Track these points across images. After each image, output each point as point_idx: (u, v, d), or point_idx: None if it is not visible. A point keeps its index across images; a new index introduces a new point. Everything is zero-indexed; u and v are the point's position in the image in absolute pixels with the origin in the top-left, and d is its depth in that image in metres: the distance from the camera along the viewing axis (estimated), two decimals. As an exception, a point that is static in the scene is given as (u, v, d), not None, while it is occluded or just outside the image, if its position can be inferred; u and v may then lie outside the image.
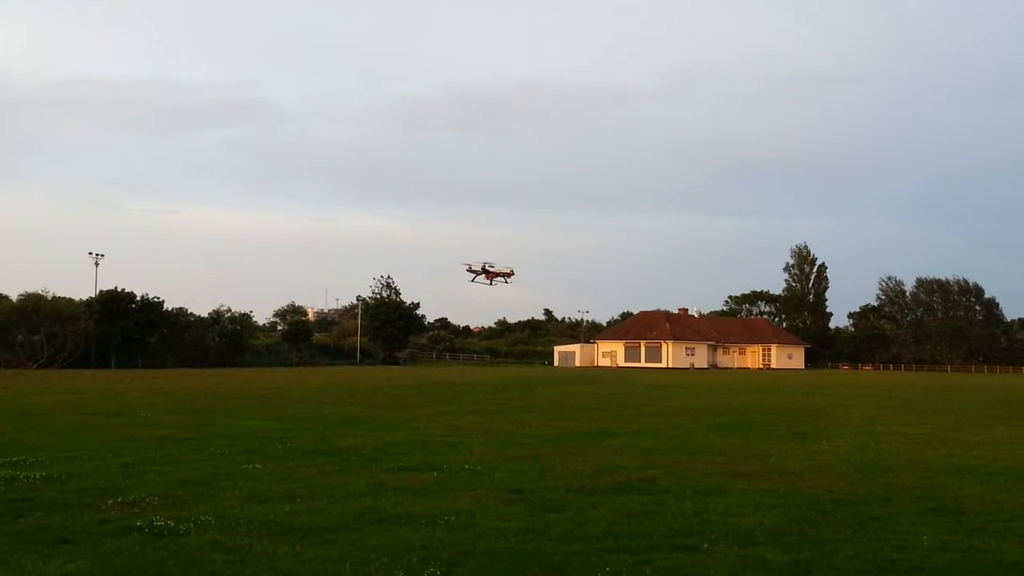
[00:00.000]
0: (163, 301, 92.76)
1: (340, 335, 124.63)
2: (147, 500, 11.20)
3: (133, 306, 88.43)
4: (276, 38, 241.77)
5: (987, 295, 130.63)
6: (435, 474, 13.59)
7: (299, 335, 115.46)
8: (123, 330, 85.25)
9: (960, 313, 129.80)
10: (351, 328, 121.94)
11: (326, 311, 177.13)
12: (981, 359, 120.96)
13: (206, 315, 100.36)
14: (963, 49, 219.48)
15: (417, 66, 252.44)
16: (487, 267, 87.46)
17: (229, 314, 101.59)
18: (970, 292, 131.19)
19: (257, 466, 14.27)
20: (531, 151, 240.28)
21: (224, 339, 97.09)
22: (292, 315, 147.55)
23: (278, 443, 17.51)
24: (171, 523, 9.73)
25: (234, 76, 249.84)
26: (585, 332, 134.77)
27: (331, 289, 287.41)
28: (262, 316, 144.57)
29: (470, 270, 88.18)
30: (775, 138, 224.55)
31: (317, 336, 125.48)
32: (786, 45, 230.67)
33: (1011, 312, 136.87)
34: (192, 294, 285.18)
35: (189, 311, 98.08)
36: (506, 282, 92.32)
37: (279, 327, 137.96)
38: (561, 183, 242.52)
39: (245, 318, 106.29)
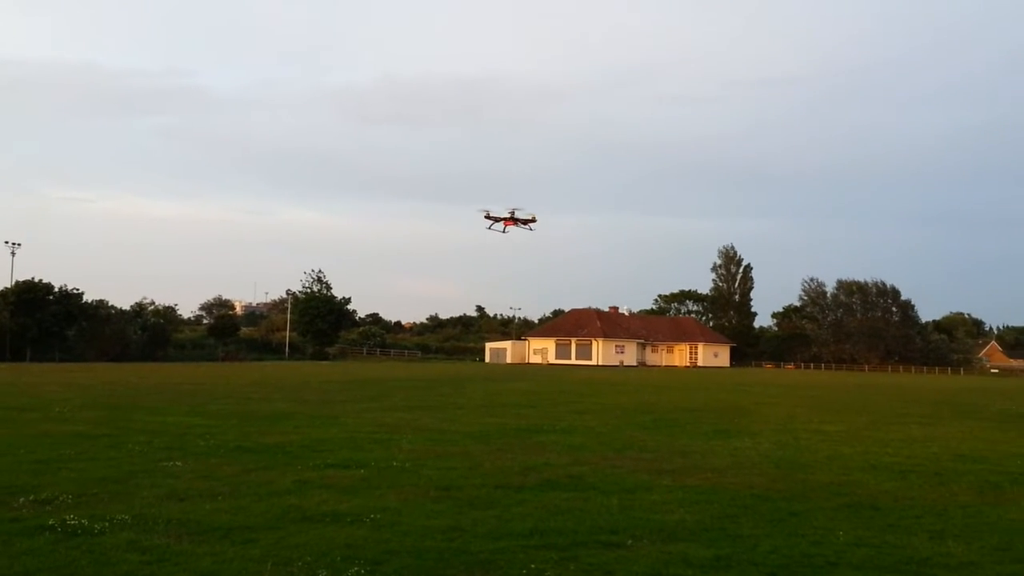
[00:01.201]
0: (83, 293, 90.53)
1: (269, 330, 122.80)
2: (61, 498, 10.89)
3: (51, 297, 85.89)
4: (211, 26, 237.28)
5: (903, 297, 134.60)
6: (362, 471, 13.49)
7: (226, 329, 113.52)
8: (40, 322, 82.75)
9: (878, 314, 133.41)
10: (280, 322, 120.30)
11: (255, 305, 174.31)
12: (897, 359, 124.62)
13: (128, 308, 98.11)
14: (891, 55, 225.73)
15: (353, 58, 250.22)
16: (514, 213, 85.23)
17: (152, 307, 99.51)
18: (887, 294, 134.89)
19: (177, 463, 13.98)
20: (465, 146, 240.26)
21: (147, 333, 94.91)
22: (219, 309, 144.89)
23: (200, 440, 17.18)
24: (85, 522, 9.48)
25: (166, 63, 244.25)
26: (517, 329, 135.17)
27: (260, 283, 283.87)
28: (187, 309, 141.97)
29: (488, 216, 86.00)
30: (705, 140, 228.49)
31: (245, 330, 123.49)
32: (718, 49, 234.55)
33: (926, 314, 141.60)
34: (114, 286, 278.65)
35: (110, 303, 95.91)
36: (530, 229, 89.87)
37: (205, 321, 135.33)
38: (495, 178, 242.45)
39: (169, 311, 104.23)
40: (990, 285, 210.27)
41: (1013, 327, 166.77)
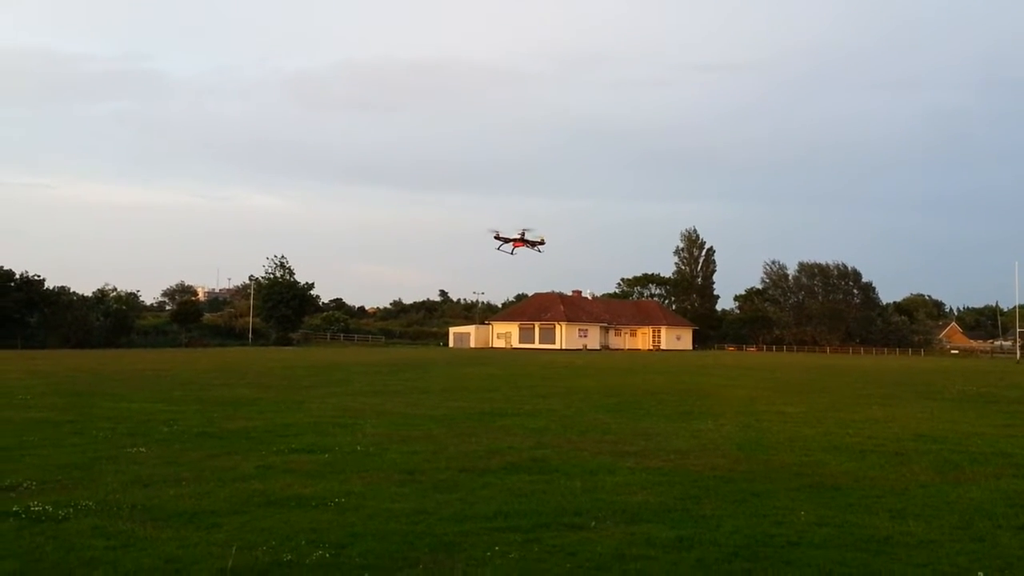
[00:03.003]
0: (44, 280, 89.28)
1: (232, 315, 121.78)
2: (24, 485, 10.80)
3: (12, 284, 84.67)
4: (168, 10, 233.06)
5: (864, 280, 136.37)
6: (326, 456, 13.47)
7: (189, 315, 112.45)
8: (1, 309, 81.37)
9: (839, 296, 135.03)
10: (243, 308, 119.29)
11: (217, 291, 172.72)
12: (858, 341, 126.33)
13: (90, 295, 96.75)
14: (851, 42, 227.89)
15: (311, 42, 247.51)
16: (524, 233, 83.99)
17: (115, 293, 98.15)
18: (848, 276, 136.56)
19: (141, 449, 13.88)
20: (425, 131, 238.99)
21: (109, 319, 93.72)
22: (181, 295, 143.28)
23: (164, 426, 17.05)
24: (50, 508, 9.41)
25: (122, 48, 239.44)
26: (480, 313, 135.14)
27: (223, 268, 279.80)
28: (150, 296, 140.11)
29: (498, 237, 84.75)
30: (667, 124, 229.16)
31: (208, 316, 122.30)
32: (679, 34, 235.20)
33: (887, 296, 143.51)
34: (76, 272, 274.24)
35: (72, 290, 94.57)
36: (538, 251, 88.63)
37: (168, 307, 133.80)
38: (456, 164, 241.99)
39: (132, 297, 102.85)
40: (950, 267, 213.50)
41: (973, 308, 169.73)
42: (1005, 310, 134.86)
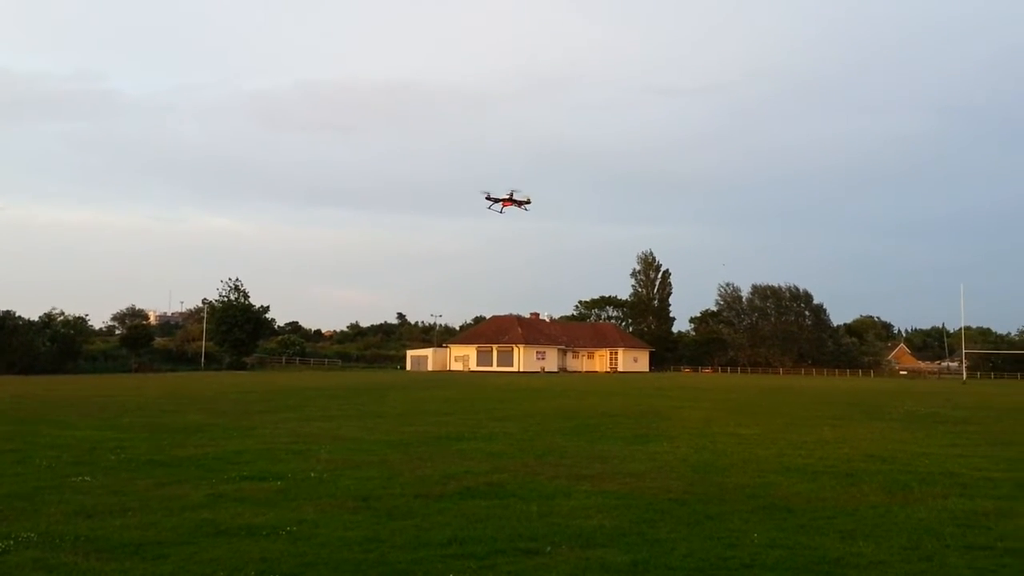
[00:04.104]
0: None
1: (184, 339, 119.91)
2: (-39, 518, 10.46)
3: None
4: (123, 29, 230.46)
5: (815, 301, 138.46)
6: (279, 483, 13.26)
7: (139, 339, 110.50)
8: (-57, 334, 79.46)
9: (791, 318, 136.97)
10: (196, 332, 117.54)
11: (169, 315, 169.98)
12: (810, 362, 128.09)
13: (36, 319, 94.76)
14: (785, 60, 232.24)
15: (272, 62, 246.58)
16: (513, 194, 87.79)
17: (62, 317, 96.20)
18: (800, 298, 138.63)
19: (87, 478, 13.55)
20: (386, 152, 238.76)
21: (56, 344, 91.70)
22: (132, 318, 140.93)
23: (111, 454, 16.68)
24: (-12, 542, 9.12)
25: (76, 67, 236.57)
26: (438, 336, 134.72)
27: (175, 292, 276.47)
28: (99, 320, 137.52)
29: (488, 198, 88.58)
30: (628, 147, 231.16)
31: (159, 340, 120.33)
32: (636, 58, 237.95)
33: (837, 318, 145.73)
34: (22, 296, 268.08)
35: (17, 314, 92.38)
36: (525, 209, 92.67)
37: (117, 331, 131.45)
38: (416, 185, 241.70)
39: (80, 322, 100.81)
40: (898, 289, 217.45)
41: (920, 330, 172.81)
42: (951, 331, 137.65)
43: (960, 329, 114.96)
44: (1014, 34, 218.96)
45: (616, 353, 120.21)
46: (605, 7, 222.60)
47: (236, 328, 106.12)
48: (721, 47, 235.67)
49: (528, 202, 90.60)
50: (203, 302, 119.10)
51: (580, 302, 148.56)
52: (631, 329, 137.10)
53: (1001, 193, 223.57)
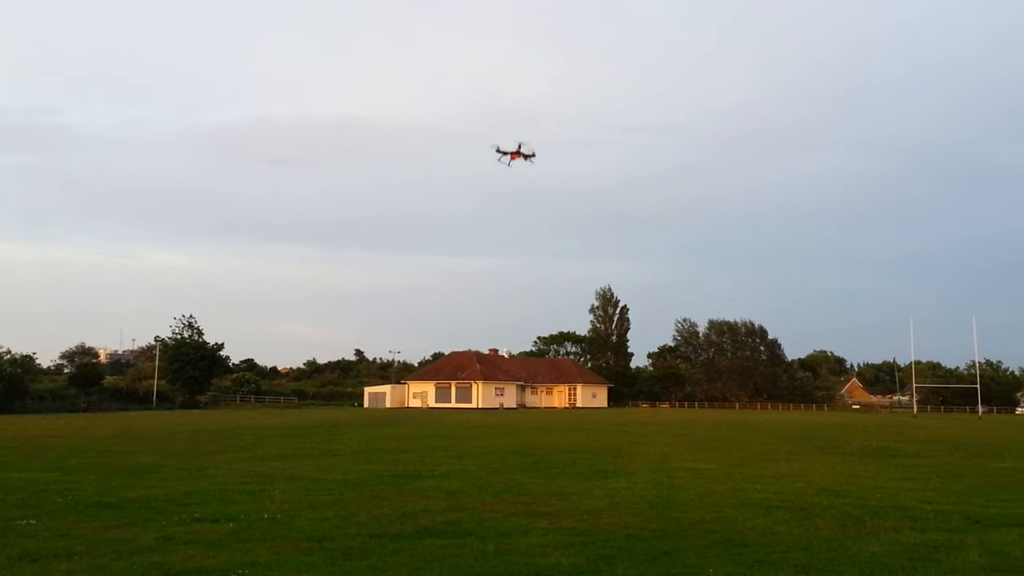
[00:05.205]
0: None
1: (135, 378, 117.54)
2: (-101, 565, 10.13)
3: None
4: (76, 63, 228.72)
5: (770, 336, 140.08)
6: (231, 525, 13.03)
7: (89, 378, 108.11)
8: None
9: (747, 353, 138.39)
10: (148, 370, 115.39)
11: (120, 353, 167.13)
12: (766, 396, 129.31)
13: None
14: (744, 100, 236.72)
15: (230, 97, 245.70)
16: (520, 147, 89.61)
17: (8, 356, 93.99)
18: (756, 333, 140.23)
19: (32, 522, 13.20)
20: (343, 187, 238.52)
21: (2, 383, 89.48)
22: (81, 357, 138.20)
23: (58, 496, 16.27)
24: (-74, 590, 8.85)
25: (27, 100, 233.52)
26: (396, 373, 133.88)
27: (127, 329, 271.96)
28: (47, 358, 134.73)
29: (498, 151, 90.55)
30: (587, 184, 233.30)
31: (109, 379, 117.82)
32: (593, 95, 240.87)
33: (791, 352, 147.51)
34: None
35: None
36: (531, 163, 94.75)
37: (66, 370, 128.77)
38: (375, 221, 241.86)
39: (27, 360, 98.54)
40: (850, 324, 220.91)
41: (872, 364, 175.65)
42: (902, 365, 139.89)
43: (910, 364, 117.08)
44: (974, 80, 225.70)
45: (575, 389, 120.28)
46: (565, 46, 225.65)
47: (189, 366, 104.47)
48: (682, 87, 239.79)
49: (534, 155, 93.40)
50: (155, 339, 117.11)
51: (539, 338, 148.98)
52: (590, 365, 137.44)
53: (951, 232, 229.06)
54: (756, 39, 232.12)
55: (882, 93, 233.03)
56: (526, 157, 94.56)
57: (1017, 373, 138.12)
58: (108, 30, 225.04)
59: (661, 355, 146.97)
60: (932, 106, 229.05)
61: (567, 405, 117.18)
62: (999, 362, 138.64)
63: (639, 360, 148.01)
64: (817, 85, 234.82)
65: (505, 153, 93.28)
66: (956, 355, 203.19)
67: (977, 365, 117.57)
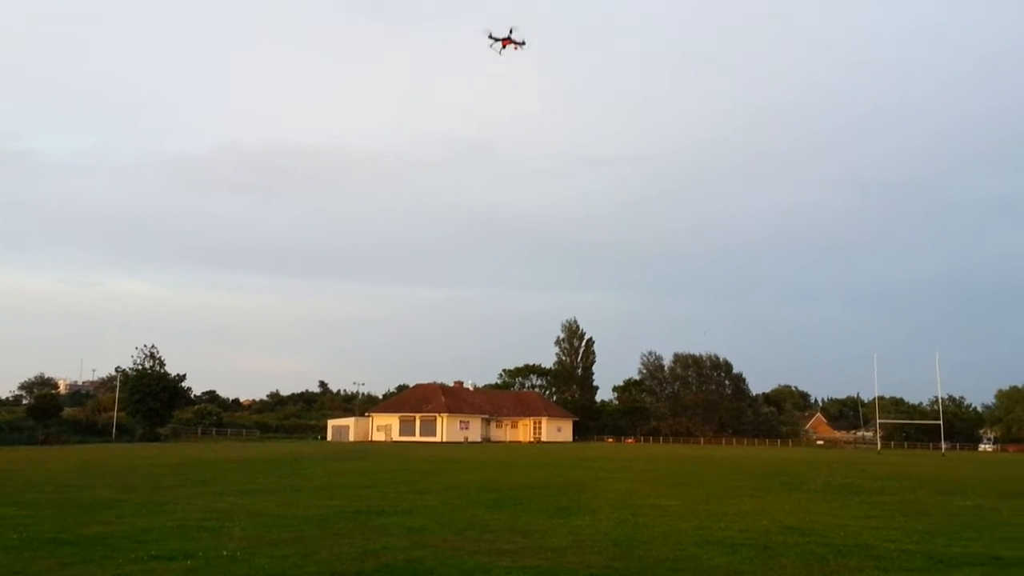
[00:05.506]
0: None
1: (95, 410, 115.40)
2: None
3: None
4: (38, 88, 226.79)
5: (735, 371, 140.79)
6: (189, 563, 12.79)
7: (47, 410, 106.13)
8: None
9: (712, 387, 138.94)
10: (108, 402, 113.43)
11: (80, 383, 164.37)
12: (731, 431, 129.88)
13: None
14: (711, 133, 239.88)
15: (196, 123, 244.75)
16: (512, 32, 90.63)
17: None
18: (721, 367, 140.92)
19: (-17, 560, 12.88)
20: (309, 216, 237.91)
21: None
22: (40, 388, 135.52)
23: (12, 532, 15.89)
24: None
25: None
26: (361, 405, 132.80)
27: (88, 359, 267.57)
28: (4, 389, 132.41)
29: (491, 36, 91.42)
30: (554, 215, 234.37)
31: (68, 411, 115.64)
32: (558, 126, 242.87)
33: (756, 387, 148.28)
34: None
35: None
36: (519, 50, 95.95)
37: (24, 401, 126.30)
38: (340, 250, 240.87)
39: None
40: (814, 359, 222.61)
41: (836, 399, 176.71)
42: (866, 401, 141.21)
43: (874, 399, 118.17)
44: (936, 118, 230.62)
45: (540, 423, 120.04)
46: (531, 79, 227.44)
47: (150, 397, 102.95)
48: (650, 120, 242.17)
49: (524, 43, 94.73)
50: (116, 370, 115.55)
51: (504, 370, 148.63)
52: (555, 398, 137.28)
53: (915, 267, 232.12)
54: (724, 73, 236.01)
55: (847, 129, 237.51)
56: (517, 45, 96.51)
57: (980, 409, 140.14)
58: (72, 56, 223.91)
59: (626, 389, 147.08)
60: (897, 143, 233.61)
61: (532, 439, 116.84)
62: (962, 398, 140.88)
63: (604, 393, 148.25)
64: (783, 120, 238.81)
65: (497, 40, 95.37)
66: (919, 391, 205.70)
67: (940, 401, 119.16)
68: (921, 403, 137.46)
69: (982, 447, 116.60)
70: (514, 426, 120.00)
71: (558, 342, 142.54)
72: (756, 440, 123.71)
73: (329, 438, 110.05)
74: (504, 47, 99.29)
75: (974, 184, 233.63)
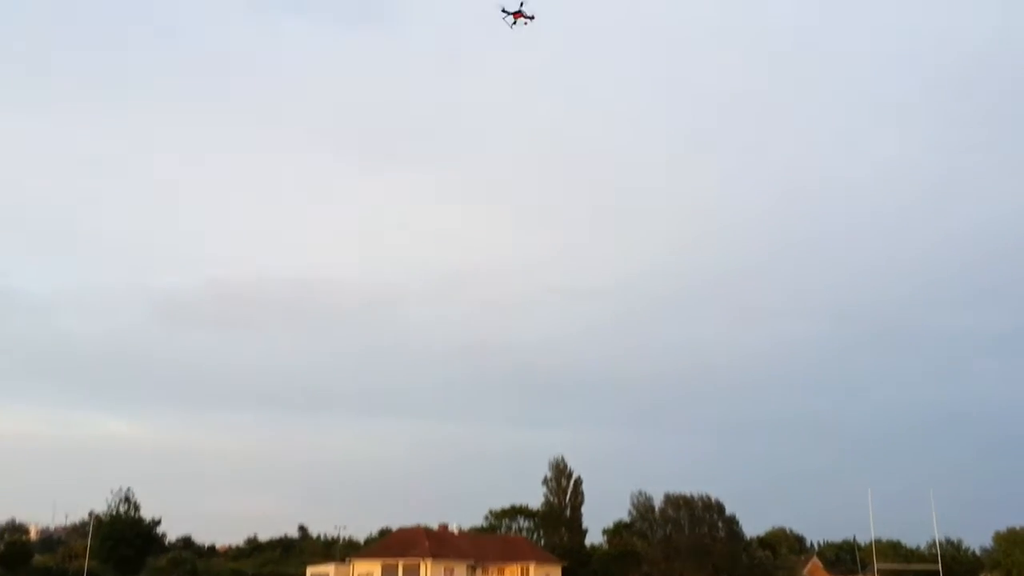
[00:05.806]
0: None
1: (66, 557, 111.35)
2: None
3: None
4: (24, 225, 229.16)
5: (728, 512, 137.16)
6: None
7: (16, 557, 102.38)
8: None
9: (704, 530, 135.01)
10: (79, 549, 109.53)
11: (52, 529, 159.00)
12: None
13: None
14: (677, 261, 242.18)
15: (181, 259, 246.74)
16: (522, 5, 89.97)
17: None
18: (713, 508, 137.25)
19: None
20: (291, 351, 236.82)
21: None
22: (10, 533, 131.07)
23: None
24: None
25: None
26: (342, 550, 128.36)
27: (61, 503, 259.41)
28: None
29: (503, 10, 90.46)
30: (538, 346, 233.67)
31: (39, 558, 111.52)
32: (540, 257, 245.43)
33: (749, 528, 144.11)
34: None
35: None
36: (526, 24, 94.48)
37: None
38: (322, 384, 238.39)
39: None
40: (807, 497, 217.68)
41: (832, 543, 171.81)
42: (863, 545, 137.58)
43: (871, 542, 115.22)
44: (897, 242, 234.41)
45: (528, 569, 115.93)
46: (507, 209, 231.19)
47: (123, 544, 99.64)
48: (621, 247, 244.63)
49: (533, 18, 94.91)
50: (90, 515, 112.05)
51: (491, 511, 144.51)
52: (543, 541, 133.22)
53: (903, 397, 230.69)
54: (697, 196, 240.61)
55: (820, 253, 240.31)
56: (528, 19, 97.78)
57: (978, 552, 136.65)
58: (54, 194, 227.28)
59: (617, 531, 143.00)
60: (866, 267, 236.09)
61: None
62: (959, 540, 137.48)
63: (594, 535, 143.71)
64: (758, 249, 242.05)
65: (509, 13, 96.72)
66: (917, 532, 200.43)
67: (938, 544, 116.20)
68: (919, 546, 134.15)
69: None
70: (501, 573, 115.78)
71: (545, 481, 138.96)
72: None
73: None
74: (515, 20, 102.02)
75: (961, 317, 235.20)
